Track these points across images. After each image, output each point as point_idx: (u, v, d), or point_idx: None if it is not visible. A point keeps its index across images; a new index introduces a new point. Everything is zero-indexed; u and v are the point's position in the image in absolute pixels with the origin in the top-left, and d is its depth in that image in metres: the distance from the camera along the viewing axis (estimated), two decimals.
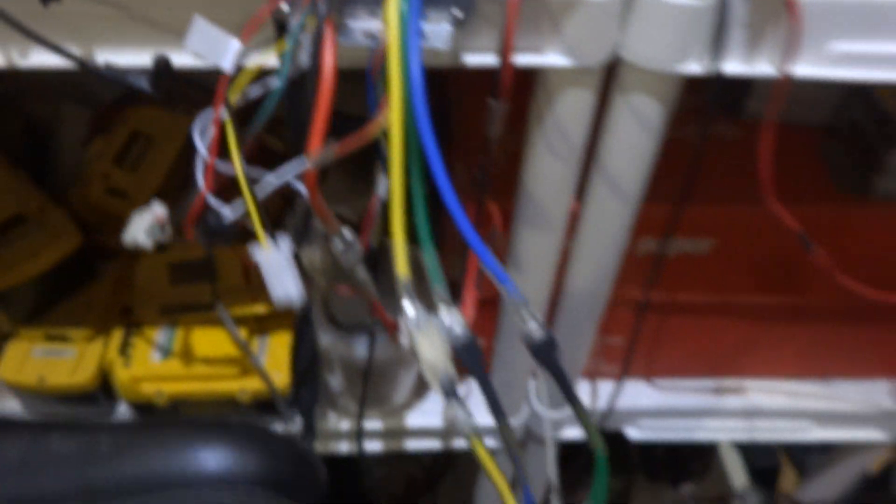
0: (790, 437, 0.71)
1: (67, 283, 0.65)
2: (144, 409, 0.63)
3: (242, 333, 0.62)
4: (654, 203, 0.54)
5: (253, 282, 0.63)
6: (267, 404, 0.62)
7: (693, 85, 0.41)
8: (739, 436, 0.71)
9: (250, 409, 0.63)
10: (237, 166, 0.28)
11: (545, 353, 0.32)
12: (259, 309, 0.61)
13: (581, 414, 0.32)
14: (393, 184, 0.30)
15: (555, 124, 0.42)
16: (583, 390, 0.69)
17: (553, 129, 0.42)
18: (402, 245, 0.30)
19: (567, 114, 0.41)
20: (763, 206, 0.50)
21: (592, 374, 0.70)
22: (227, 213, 0.30)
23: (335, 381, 0.65)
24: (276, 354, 0.63)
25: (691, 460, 0.92)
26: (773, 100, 0.41)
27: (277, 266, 0.29)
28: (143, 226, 0.32)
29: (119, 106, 0.70)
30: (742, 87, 0.62)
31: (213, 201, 0.29)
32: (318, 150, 0.28)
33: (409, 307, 0.31)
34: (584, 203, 0.49)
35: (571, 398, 0.32)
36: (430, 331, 0.31)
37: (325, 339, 0.55)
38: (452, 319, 0.31)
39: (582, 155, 0.45)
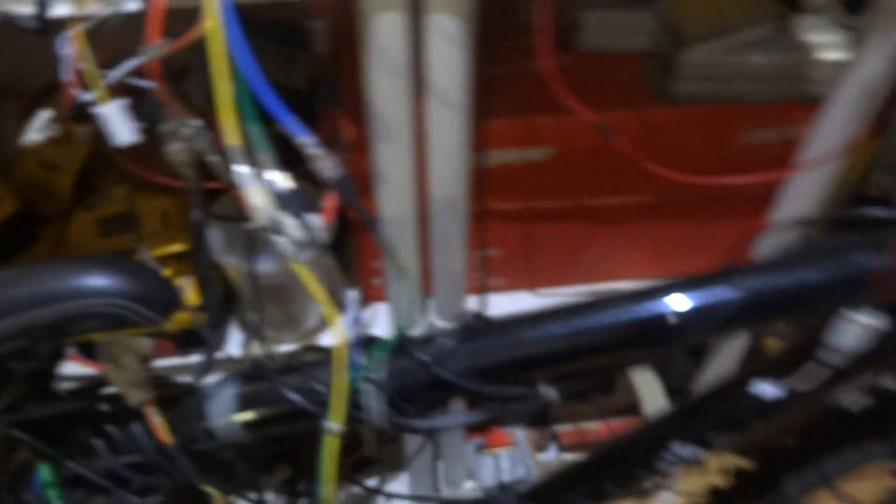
0: None
1: (10, 247, 0.75)
2: (85, 345, 0.72)
3: (168, 272, 0.72)
4: (497, 119, 0.65)
5: (171, 226, 0.72)
6: (192, 333, 0.72)
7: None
8: None
9: (178, 338, 0.72)
10: (90, 63, 0.38)
11: (342, 185, 0.41)
12: (175, 247, 0.70)
13: (377, 236, 0.42)
14: (217, 72, 0.40)
15: (376, 44, 0.53)
16: (471, 305, 0.79)
17: (376, 48, 0.53)
18: (231, 120, 0.40)
19: (383, 34, 0.52)
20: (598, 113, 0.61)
21: (481, 290, 0.80)
22: (86, 96, 0.39)
23: (252, 313, 0.75)
24: (196, 289, 0.72)
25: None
26: None
27: (114, 116, 0.39)
28: (35, 127, 0.41)
29: (46, 92, 0.80)
30: (572, 25, 0.73)
31: (76, 91, 0.39)
32: (152, 44, 0.38)
33: (240, 167, 0.41)
34: (426, 117, 0.59)
35: (369, 225, 0.42)
36: (258, 184, 0.41)
37: (230, 260, 0.65)
38: (274, 176, 0.41)
39: (409, 71, 0.55)
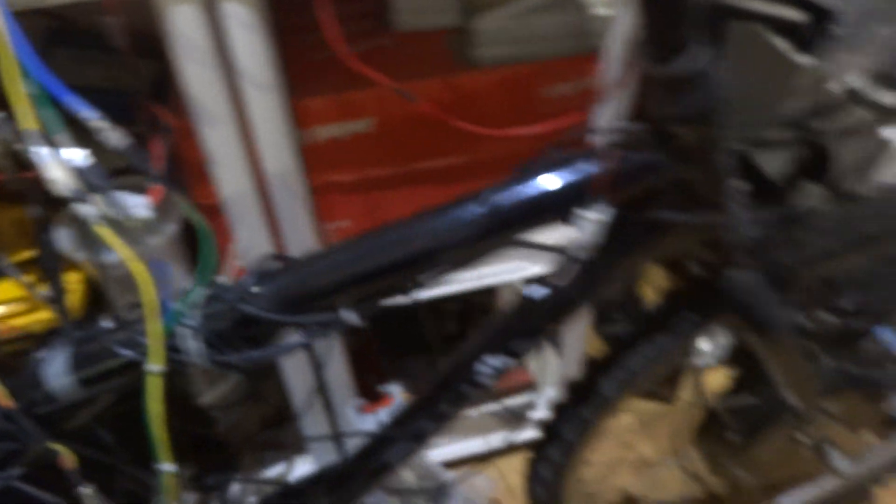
0: (509, 277, 0.89)
1: None
2: None
3: (31, 278, 0.76)
4: (316, 97, 0.72)
5: (27, 233, 0.76)
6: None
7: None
8: (468, 286, 0.89)
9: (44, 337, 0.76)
10: None
11: (130, 154, 0.47)
12: (30, 253, 0.74)
13: (182, 200, 0.48)
14: (4, 66, 0.45)
15: (177, 36, 0.58)
16: None
17: (178, 40, 0.58)
18: (24, 108, 0.45)
19: (182, 25, 0.58)
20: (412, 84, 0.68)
21: None
22: None
23: (120, 306, 0.79)
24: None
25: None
26: None
27: None
28: None
29: None
30: (389, 6, 0.80)
31: None
32: None
33: (39, 148, 0.46)
34: (241, 100, 0.65)
35: (166, 184, 0.47)
36: (58, 160, 0.46)
37: (80, 255, 0.69)
38: (71, 153, 0.46)
39: (216, 58, 0.61)
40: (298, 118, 0.71)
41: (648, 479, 1.28)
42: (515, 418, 1.20)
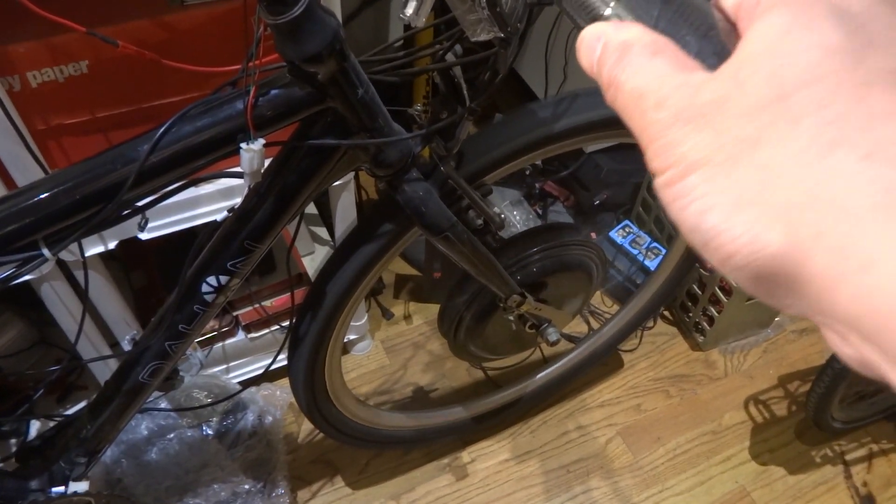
0: None
1: None
2: None
3: None
4: (19, 43, 0.73)
5: None
6: None
7: None
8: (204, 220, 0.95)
9: None
10: None
11: None
12: None
13: None
14: None
15: None
16: None
17: None
18: None
19: None
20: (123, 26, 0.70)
21: None
22: None
23: None
24: None
25: None
26: None
27: None
28: None
29: None
30: None
31: None
32: None
33: None
34: None
35: None
36: None
37: None
38: None
39: None
40: (3, 65, 0.72)
41: (439, 373, 1.44)
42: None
